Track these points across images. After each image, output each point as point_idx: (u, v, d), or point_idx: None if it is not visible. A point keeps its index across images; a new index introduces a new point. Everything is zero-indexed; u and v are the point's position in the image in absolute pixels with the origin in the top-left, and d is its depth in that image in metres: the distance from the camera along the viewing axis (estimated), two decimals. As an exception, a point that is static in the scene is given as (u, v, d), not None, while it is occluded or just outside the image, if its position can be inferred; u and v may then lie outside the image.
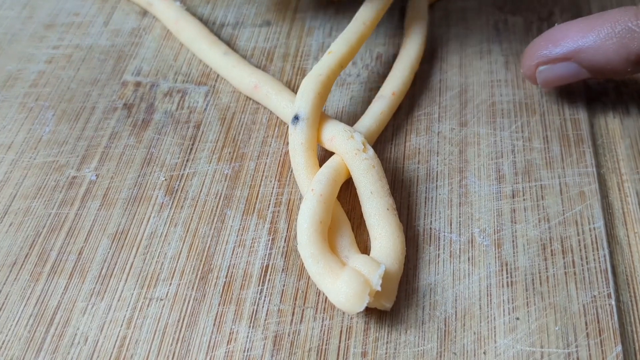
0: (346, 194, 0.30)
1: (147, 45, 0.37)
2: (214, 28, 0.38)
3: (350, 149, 0.29)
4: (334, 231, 0.28)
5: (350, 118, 0.34)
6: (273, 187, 0.31)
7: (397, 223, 0.28)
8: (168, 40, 0.38)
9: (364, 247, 0.29)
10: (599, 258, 0.28)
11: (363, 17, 0.34)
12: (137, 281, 0.28)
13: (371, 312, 0.27)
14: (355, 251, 0.27)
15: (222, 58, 0.35)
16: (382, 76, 0.35)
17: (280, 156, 0.32)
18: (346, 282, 0.25)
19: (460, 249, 0.29)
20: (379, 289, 0.25)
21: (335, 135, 0.30)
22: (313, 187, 0.28)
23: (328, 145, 0.30)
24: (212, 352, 0.26)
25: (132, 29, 0.38)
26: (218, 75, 0.36)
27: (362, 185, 0.29)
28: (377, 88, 0.34)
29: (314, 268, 0.26)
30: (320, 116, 0.31)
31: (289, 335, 0.26)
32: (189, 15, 0.37)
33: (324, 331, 0.26)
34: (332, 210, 0.28)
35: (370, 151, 0.29)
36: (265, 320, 0.27)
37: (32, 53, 0.37)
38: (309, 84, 0.31)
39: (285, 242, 0.29)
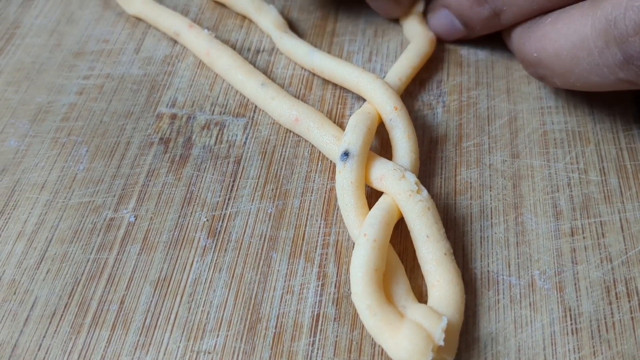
0: (396, 233, 0.29)
1: (180, 73, 0.36)
2: (249, 55, 0.37)
3: (403, 190, 0.28)
4: (388, 277, 0.27)
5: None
6: (319, 227, 0.30)
7: (455, 269, 0.27)
8: (202, 69, 0.36)
9: (419, 292, 0.28)
10: (669, 303, 0.27)
11: (399, 74, 0.34)
12: (183, 332, 0.26)
13: (431, 366, 0.25)
14: (412, 300, 0.26)
15: (259, 89, 0.33)
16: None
17: (325, 192, 0.31)
18: (407, 337, 0.24)
19: (520, 293, 0.27)
20: (442, 344, 0.24)
21: (385, 174, 0.28)
22: (365, 231, 0.26)
23: (377, 185, 0.29)
24: (266, 412, 0.24)
25: (164, 56, 0.37)
26: (256, 106, 0.34)
27: (417, 228, 0.27)
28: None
29: (371, 321, 0.25)
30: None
31: (346, 392, 0.25)
32: (220, 44, 0.35)
33: (383, 387, 0.25)
34: (386, 256, 0.26)
35: (425, 192, 0.28)
36: (319, 375, 0.25)
37: (62, 84, 0.36)
38: (360, 119, 0.30)
39: (335, 287, 0.28)
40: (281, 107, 0.33)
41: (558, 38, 0.29)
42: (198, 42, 0.36)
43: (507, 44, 0.35)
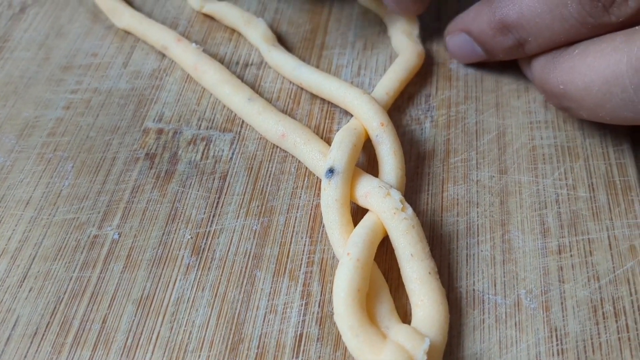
0: (382, 251, 0.29)
1: (168, 88, 0.36)
2: (237, 69, 0.37)
3: (387, 207, 0.27)
4: (372, 297, 0.26)
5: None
6: (304, 245, 0.29)
7: (439, 288, 0.26)
8: (190, 83, 0.36)
9: (404, 311, 0.27)
10: (656, 324, 0.27)
11: (387, 88, 0.34)
12: (165, 353, 0.26)
13: (414, 387, 0.25)
14: (396, 320, 0.26)
15: (246, 104, 0.33)
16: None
17: (311, 209, 0.31)
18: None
19: (506, 313, 0.27)
20: (424, 366, 0.24)
21: (370, 191, 0.28)
22: (349, 250, 0.26)
23: (362, 202, 0.29)
24: None
25: (152, 70, 0.37)
26: (243, 121, 0.34)
27: (402, 247, 0.27)
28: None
29: (353, 342, 0.24)
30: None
31: (327, 415, 0.25)
32: (208, 58, 0.35)
33: (365, 409, 0.25)
34: (369, 276, 0.26)
35: (409, 210, 0.27)
36: (301, 397, 0.25)
37: (49, 98, 0.35)
38: (346, 135, 0.29)
39: (319, 307, 0.27)
40: (267, 123, 0.32)
41: (588, 72, 0.28)
42: (186, 56, 0.36)
43: (524, 71, 0.34)
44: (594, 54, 0.28)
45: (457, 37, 0.35)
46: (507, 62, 0.35)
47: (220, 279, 0.28)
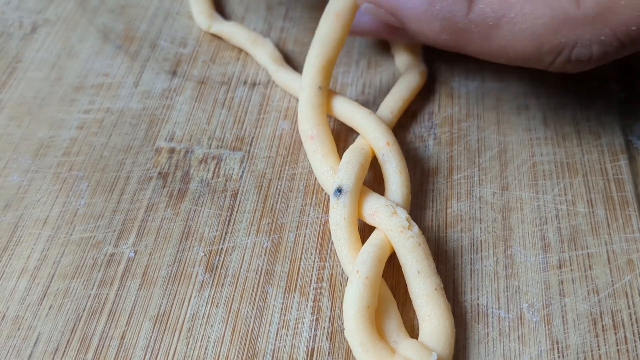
0: (389, 267, 0.30)
1: (178, 107, 0.37)
2: (245, 88, 0.38)
3: (394, 226, 0.28)
4: (381, 312, 0.27)
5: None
6: (314, 261, 0.30)
7: (445, 304, 0.27)
8: (200, 102, 0.37)
9: (411, 325, 0.28)
10: (654, 336, 0.28)
11: (391, 107, 0.35)
12: (182, 368, 0.27)
13: (422, 400, 0.26)
14: (403, 335, 0.27)
15: (312, 89, 0.34)
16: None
17: (320, 226, 0.32)
18: (398, 374, 0.25)
19: (509, 326, 0.28)
20: (432, 379, 0.25)
21: (377, 210, 0.29)
22: (358, 268, 0.27)
23: (369, 220, 0.30)
24: None
25: (162, 89, 0.38)
26: (252, 139, 0.35)
27: (408, 264, 0.28)
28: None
29: (363, 357, 0.26)
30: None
31: None
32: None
33: (375, 421, 0.26)
34: (378, 292, 0.27)
35: (416, 228, 0.29)
36: (314, 410, 0.26)
37: (62, 118, 0.36)
38: (354, 155, 0.30)
39: (329, 322, 0.28)
40: (308, 119, 0.33)
41: None
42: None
43: None
44: None
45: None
46: (508, 77, 0.36)
47: (234, 295, 0.29)
